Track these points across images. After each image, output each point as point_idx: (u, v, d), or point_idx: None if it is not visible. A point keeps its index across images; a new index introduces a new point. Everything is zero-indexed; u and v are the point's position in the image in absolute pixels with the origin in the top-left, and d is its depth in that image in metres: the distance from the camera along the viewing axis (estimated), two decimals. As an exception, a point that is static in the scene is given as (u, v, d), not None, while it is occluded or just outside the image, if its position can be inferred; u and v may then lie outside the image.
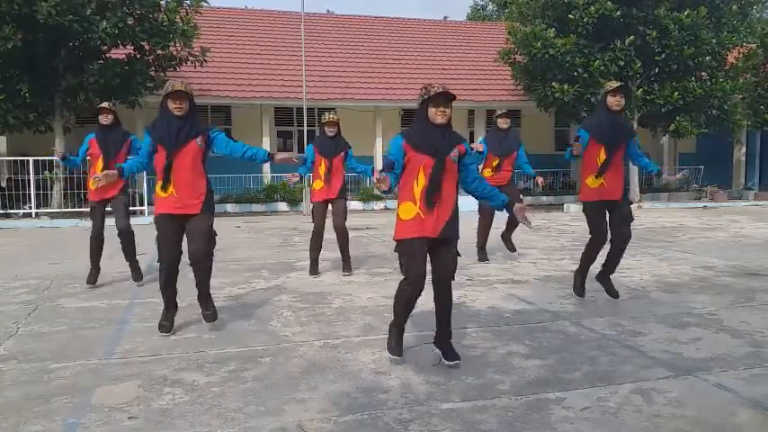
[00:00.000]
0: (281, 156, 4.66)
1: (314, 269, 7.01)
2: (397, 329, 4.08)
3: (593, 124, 5.39)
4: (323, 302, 5.73)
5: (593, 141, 5.30)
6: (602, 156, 5.25)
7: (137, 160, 4.72)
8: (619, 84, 5.30)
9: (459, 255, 4.01)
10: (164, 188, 4.53)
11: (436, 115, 3.79)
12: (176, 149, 4.47)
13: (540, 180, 7.88)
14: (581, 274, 5.72)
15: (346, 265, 7.03)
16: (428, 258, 3.91)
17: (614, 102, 5.26)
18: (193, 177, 4.54)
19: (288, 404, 3.42)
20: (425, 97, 3.80)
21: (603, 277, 5.66)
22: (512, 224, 7.91)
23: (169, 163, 4.48)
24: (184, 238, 4.61)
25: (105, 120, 6.25)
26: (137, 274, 6.54)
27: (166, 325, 4.69)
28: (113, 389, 3.66)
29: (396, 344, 4.06)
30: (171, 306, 4.75)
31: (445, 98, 3.78)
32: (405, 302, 3.96)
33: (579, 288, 5.72)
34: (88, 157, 6.41)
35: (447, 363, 3.97)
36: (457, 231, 3.93)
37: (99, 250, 6.44)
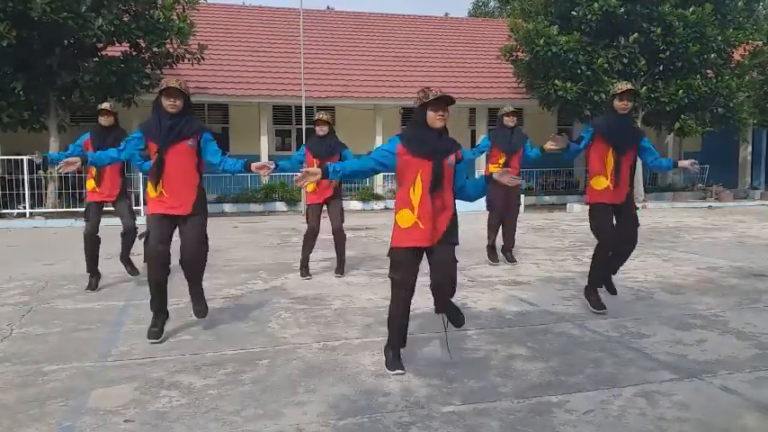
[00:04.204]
0: (256, 165, 4.44)
1: (304, 271, 6.85)
2: (392, 351, 3.92)
3: (603, 124, 5.21)
4: (322, 304, 5.67)
5: (600, 141, 5.13)
6: (611, 159, 5.09)
7: (111, 151, 4.63)
8: (626, 88, 5.11)
9: (457, 261, 3.90)
10: (154, 188, 4.46)
11: (435, 119, 3.73)
12: (166, 147, 4.40)
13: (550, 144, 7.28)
14: (593, 287, 5.32)
15: (340, 267, 6.95)
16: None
17: (621, 106, 5.11)
18: (183, 178, 4.45)
19: (286, 407, 3.37)
20: (424, 101, 3.73)
21: (605, 277, 5.46)
22: (509, 237, 7.73)
23: (160, 160, 4.41)
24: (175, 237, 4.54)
25: (106, 121, 6.16)
26: (132, 269, 6.53)
27: (155, 331, 4.52)
28: (109, 392, 3.62)
29: (393, 360, 3.89)
30: (160, 310, 4.58)
31: (445, 102, 3.73)
32: (396, 302, 3.83)
33: (596, 303, 5.29)
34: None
35: (455, 329, 4.09)
36: (456, 238, 3.84)
37: (94, 250, 6.23)
